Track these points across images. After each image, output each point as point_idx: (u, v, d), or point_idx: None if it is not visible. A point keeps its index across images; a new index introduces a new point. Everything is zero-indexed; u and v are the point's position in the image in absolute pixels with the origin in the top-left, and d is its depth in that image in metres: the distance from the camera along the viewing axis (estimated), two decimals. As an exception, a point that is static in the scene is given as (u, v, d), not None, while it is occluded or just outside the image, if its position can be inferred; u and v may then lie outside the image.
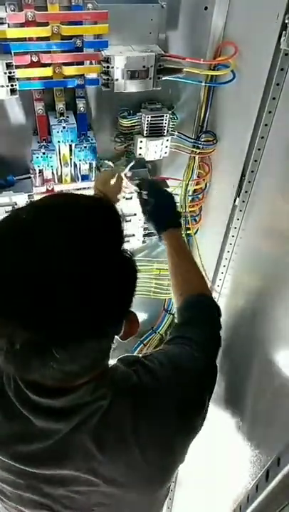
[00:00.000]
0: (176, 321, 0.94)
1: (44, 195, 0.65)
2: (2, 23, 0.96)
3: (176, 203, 1.19)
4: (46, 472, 0.66)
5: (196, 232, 1.46)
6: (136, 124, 1.22)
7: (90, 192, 1.24)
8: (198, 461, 1.09)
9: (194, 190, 1.40)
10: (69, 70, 1.06)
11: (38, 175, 1.22)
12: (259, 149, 1.12)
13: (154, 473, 0.68)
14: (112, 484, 0.66)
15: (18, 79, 1.02)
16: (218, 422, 0.98)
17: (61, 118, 1.14)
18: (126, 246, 0.61)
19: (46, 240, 0.52)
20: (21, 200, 1.20)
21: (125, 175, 1.21)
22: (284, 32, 0.92)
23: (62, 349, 0.52)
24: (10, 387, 0.65)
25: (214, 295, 1.42)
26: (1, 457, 0.66)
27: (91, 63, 1.08)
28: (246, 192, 1.22)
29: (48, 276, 0.50)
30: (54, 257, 0.51)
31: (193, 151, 1.29)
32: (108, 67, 1.05)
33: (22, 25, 0.98)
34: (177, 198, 1.31)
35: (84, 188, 1.28)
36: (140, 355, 0.75)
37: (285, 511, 0.47)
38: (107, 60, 1.04)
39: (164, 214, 1.13)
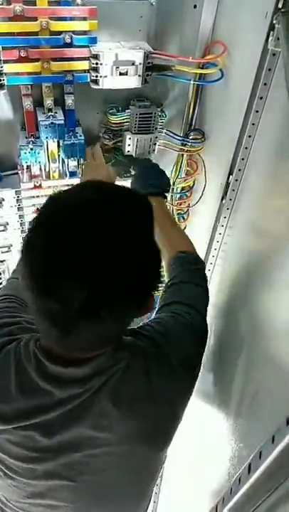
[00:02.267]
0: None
1: (93, 180, 0.74)
2: (-10, 17, 0.96)
3: (164, 180, 1.21)
4: (64, 437, 0.70)
5: (183, 229, 1.47)
6: (125, 120, 1.22)
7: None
8: (183, 455, 1.10)
9: (182, 188, 1.40)
10: (57, 66, 1.06)
11: (25, 171, 1.21)
12: (246, 148, 1.13)
13: (163, 427, 0.75)
14: (125, 440, 0.72)
15: (6, 74, 1.02)
16: (204, 417, 0.99)
17: (49, 114, 1.14)
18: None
19: (108, 220, 0.59)
20: (8, 195, 1.20)
21: None
22: (272, 32, 0.92)
23: (108, 311, 0.58)
24: (30, 363, 0.70)
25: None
26: (18, 432, 0.70)
27: (80, 59, 1.07)
28: (233, 190, 1.23)
29: (109, 249, 0.57)
30: (113, 234, 0.58)
31: (181, 148, 1.30)
32: (97, 63, 1.05)
33: (10, 19, 0.97)
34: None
35: (72, 185, 1.28)
36: (136, 328, 0.81)
37: (266, 503, 0.49)
38: (96, 56, 1.04)
39: (143, 185, 1.17)
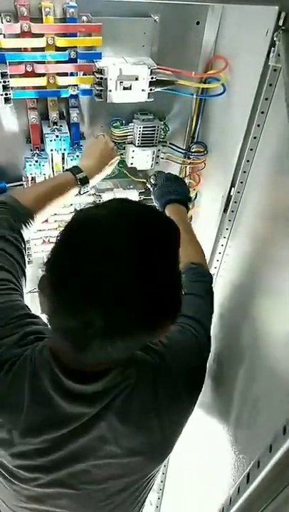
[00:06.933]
0: None
1: (112, 199, 0.74)
2: (-2, 34, 0.98)
3: (185, 190, 1.24)
4: (70, 449, 0.70)
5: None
6: (128, 134, 1.24)
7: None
8: (185, 465, 1.10)
9: (185, 200, 1.42)
10: (63, 81, 1.08)
11: (30, 182, 1.23)
12: (248, 161, 1.14)
13: (166, 439, 0.77)
14: (130, 453, 0.73)
15: (12, 88, 1.04)
16: (205, 428, 0.99)
17: (54, 127, 1.16)
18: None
19: (131, 247, 0.58)
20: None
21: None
22: (272, 48, 0.94)
23: (123, 339, 0.60)
24: (45, 371, 0.70)
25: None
26: (26, 443, 0.70)
27: (85, 74, 1.10)
28: (235, 202, 1.24)
29: (131, 279, 0.57)
30: (136, 264, 0.58)
31: (184, 161, 1.32)
32: (101, 78, 1.07)
33: (17, 35, 1.00)
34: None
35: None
36: None
37: (266, 512, 0.49)
38: (101, 71, 1.07)
39: (164, 192, 1.20)
